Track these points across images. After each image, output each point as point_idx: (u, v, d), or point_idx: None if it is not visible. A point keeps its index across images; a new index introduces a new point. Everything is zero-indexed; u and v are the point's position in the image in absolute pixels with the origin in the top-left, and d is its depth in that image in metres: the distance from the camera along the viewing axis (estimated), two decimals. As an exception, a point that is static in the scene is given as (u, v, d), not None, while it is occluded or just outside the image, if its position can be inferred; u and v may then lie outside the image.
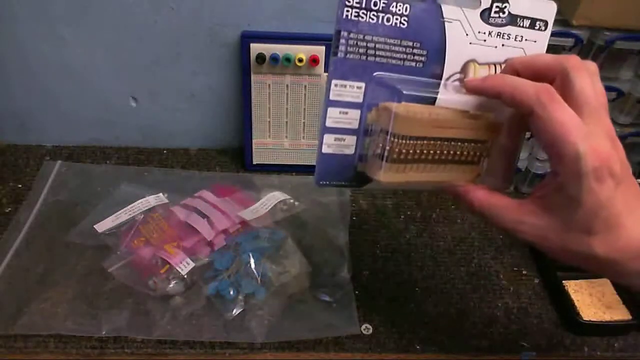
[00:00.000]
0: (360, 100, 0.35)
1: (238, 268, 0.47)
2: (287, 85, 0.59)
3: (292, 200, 0.56)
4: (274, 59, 0.57)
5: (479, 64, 0.36)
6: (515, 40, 0.36)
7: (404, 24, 0.34)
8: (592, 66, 0.32)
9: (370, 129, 0.35)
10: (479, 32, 0.35)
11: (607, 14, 0.50)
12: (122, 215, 0.52)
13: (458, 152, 0.35)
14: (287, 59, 0.57)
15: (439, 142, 0.34)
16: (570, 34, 0.52)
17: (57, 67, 0.60)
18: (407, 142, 0.33)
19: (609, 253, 0.30)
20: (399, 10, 0.33)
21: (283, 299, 0.47)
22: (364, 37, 0.33)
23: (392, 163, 0.34)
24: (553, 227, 0.31)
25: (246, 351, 0.44)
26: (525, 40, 0.36)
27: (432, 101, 0.35)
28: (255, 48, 0.57)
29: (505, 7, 0.35)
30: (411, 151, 0.34)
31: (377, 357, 0.45)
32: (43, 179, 0.59)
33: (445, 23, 0.34)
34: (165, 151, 0.67)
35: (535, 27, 0.36)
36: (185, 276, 0.47)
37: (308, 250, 0.51)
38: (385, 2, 0.33)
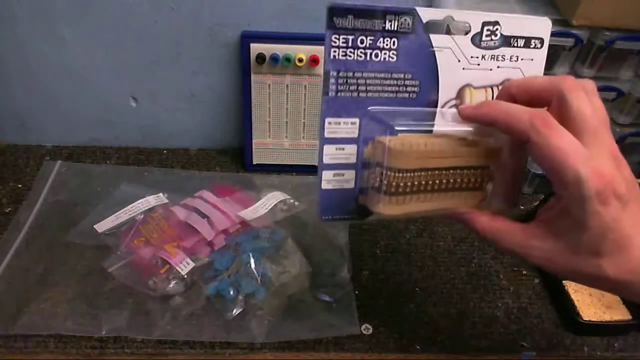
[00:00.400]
0: (356, 135, 0.35)
1: (238, 268, 0.47)
2: (287, 85, 0.59)
3: (292, 200, 0.56)
4: (274, 59, 0.57)
5: (475, 87, 0.36)
6: (510, 60, 0.36)
7: (393, 58, 0.34)
8: (589, 84, 0.31)
9: (368, 162, 0.35)
10: (471, 57, 0.35)
11: (607, 14, 0.50)
12: (122, 215, 0.52)
13: (459, 180, 0.35)
14: (287, 59, 0.57)
15: (437, 172, 0.34)
16: (570, 34, 0.52)
17: (57, 67, 0.60)
18: (404, 175, 0.33)
19: (619, 275, 0.30)
20: (387, 45, 0.33)
21: (283, 299, 0.47)
22: (353, 74, 0.33)
23: (391, 196, 0.33)
24: (560, 251, 0.31)
25: (246, 351, 0.44)
26: (522, 59, 0.36)
27: (429, 131, 0.35)
28: (255, 48, 0.57)
29: (497, 29, 0.35)
30: (409, 183, 0.33)
31: (377, 357, 0.45)
32: (43, 179, 0.59)
33: (436, 52, 0.34)
34: (165, 151, 0.67)
35: (531, 46, 0.36)
36: (185, 276, 0.47)
37: (308, 250, 0.51)
38: (372, 38, 0.33)
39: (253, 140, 0.63)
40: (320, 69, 0.58)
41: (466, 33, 0.34)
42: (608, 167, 0.29)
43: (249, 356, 0.44)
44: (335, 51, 0.33)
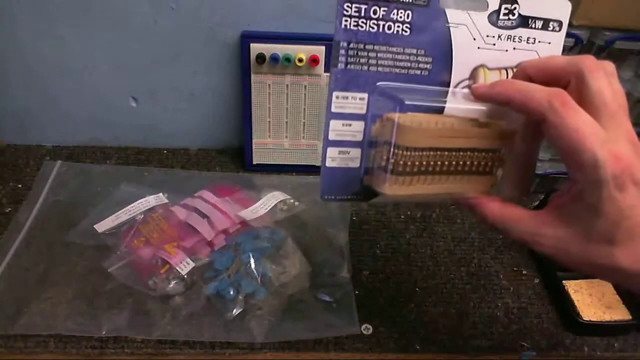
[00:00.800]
0: (364, 111, 0.33)
1: (238, 268, 0.47)
2: (287, 85, 0.59)
3: (292, 200, 0.56)
4: (274, 59, 0.57)
5: (489, 69, 0.35)
6: (527, 42, 0.35)
7: (406, 32, 0.32)
8: (609, 66, 0.30)
9: (375, 141, 0.34)
10: (487, 36, 0.34)
11: (607, 14, 0.50)
12: (122, 215, 0.52)
13: (468, 163, 0.34)
14: (287, 59, 0.57)
15: (446, 153, 0.33)
16: (570, 34, 0.52)
17: (56, 67, 0.60)
18: (412, 153, 0.32)
19: (634, 264, 0.29)
20: (401, 17, 0.32)
21: (283, 299, 0.47)
22: (364, 46, 0.32)
23: (397, 175, 0.32)
24: (573, 239, 0.30)
25: (246, 351, 0.44)
26: (539, 42, 0.35)
27: (440, 110, 0.34)
28: (255, 48, 0.57)
29: (515, 8, 0.33)
30: (417, 163, 0.32)
31: (377, 357, 0.45)
32: (43, 179, 0.59)
33: (451, 28, 0.33)
34: (165, 151, 0.67)
35: (549, 28, 0.35)
36: (185, 276, 0.47)
37: (308, 250, 0.51)
38: (386, 9, 0.32)
39: (253, 140, 0.63)
40: (320, 69, 0.58)
41: (483, 10, 0.33)
42: (626, 152, 0.28)
43: (249, 356, 0.44)
44: (346, 20, 0.31)
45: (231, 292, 0.46)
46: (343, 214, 0.57)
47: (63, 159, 0.63)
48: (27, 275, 0.48)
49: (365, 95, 0.33)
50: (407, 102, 0.32)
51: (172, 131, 0.67)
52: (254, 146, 0.63)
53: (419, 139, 0.32)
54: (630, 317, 0.49)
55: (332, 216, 0.56)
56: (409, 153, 0.32)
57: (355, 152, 0.34)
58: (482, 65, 0.34)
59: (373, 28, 0.32)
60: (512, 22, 0.34)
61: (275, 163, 0.65)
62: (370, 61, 0.32)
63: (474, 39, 0.34)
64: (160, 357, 0.44)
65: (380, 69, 0.33)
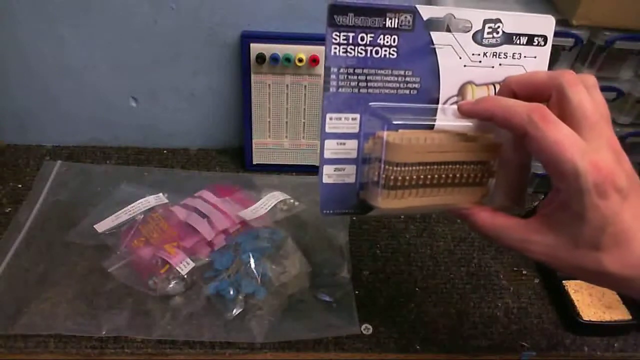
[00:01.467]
0: (357, 130, 0.35)
1: (238, 268, 0.47)
2: (287, 85, 0.59)
3: (292, 200, 0.56)
4: (274, 59, 0.57)
5: (477, 85, 0.36)
6: (513, 58, 0.36)
7: (393, 55, 0.34)
8: (589, 79, 0.31)
9: (368, 157, 0.35)
10: (472, 54, 0.35)
11: (607, 14, 0.50)
12: (122, 215, 0.52)
13: (458, 175, 0.35)
14: (287, 59, 0.57)
15: (435, 167, 0.34)
16: (570, 34, 0.52)
17: (56, 67, 0.60)
18: (402, 168, 0.33)
19: (621, 270, 0.30)
20: (387, 42, 0.33)
21: (283, 299, 0.47)
22: (354, 70, 0.34)
23: (390, 190, 0.34)
24: (561, 245, 0.31)
25: (246, 351, 0.44)
26: (524, 57, 0.36)
27: (430, 127, 0.35)
28: (255, 48, 0.57)
29: (499, 27, 0.35)
30: (407, 177, 0.33)
31: (377, 357, 0.45)
32: (43, 179, 0.59)
33: (437, 49, 0.34)
34: (165, 151, 0.67)
35: (534, 43, 0.36)
36: (185, 276, 0.47)
37: (308, 250, 0.51)
38: (373, 35, 0.33)
39: (253, 140, 0.63)
40: (320, 69, 0.58)
41: (467, 31, 0.34)
42: (607, 160, 0.29)
43: (249, 356, 0.44)
44: (335, 48, 0.33)
45: (231, 292, 0.46)
46: (343, 214, 0.57)
47: (63, 159, 0.63)
48: (27, 275, 0.48)
49: (358, 116, 0.35)
50: (395, 122, 0.34)
51: (172, 131, 0.67)
52: (254, 146, 0.63)
53: (407, 155, 0.33)
54: (630, 317, 0.49)
55: (332, 216, 0.56)
56: (398, 169, 0.33)
57: (350, 169, 0.36)
58: (469, 82, 0.36)
59: (361, 53, 0.33)
60: (496, 40, 0.35)
61: (275, 163, 0.65)
62: (360, 84, 0.34)
63: (460, 58, 0.35)
64: (160, 357, 0.44)
65: (370, 90, 0.34)
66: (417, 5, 0.33)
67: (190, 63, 0.61)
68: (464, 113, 0.35)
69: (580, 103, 0.30)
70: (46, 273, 0.48)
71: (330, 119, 0.34)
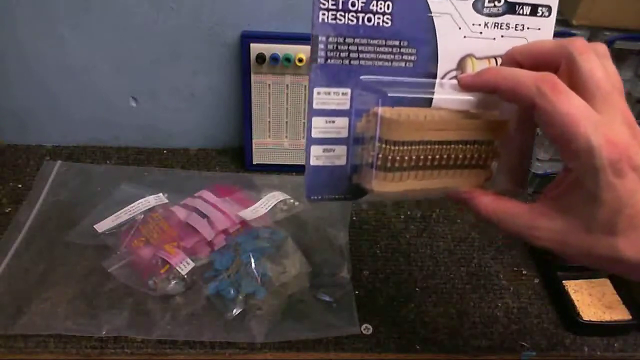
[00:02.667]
0: (347, 107, 0.32)
1: (238, 268, 0.47)
2: (287, 85, 0.59)
3: (292, 200, 0.56)
4: (274, 59, 0.57)
5: (477, 58, 0.33)
6: (515, 29, 0.33)
7: (387, 23, 0.31)
8: (601, 48, 0.29)
9: (361, 137, 0.33)
10: (472, 25, 0.32)
11: (607, 14, 0.50)
12: (122, 215, 0.52)
13: (460, 156, 0.32)
14: (287, 59, 0.57)
15: (436, 147, 0.31)
16: (570, 34, 0.52)
17: (57, 67, 0.60)
18: (400, 148, 0.30)
19: (638, 255, 0.27)
20: (380, 8, 0.31)
21: (283, 299, 0.47)
22: (344, 40, 0.31)
23: (386, 172, 0.31)
24: (572, 230, 0.28)
25: (246, 351, 0.44)
26: (527, 28, 0.33)
27: (428, 103, 0.32)
28: (255, 48, 0.57)
29: None
30: (406, 157, 0.31)
31: (377, 357, 0.45)
32: (43, 179, 0.59)
33: (434, 17, 0.32)
34: (165, 151, 0.67)
35: (538, 14, 0.33)
36: (185, 276, 0.47)
37: (308, 250, 0.51)
38: (364, 1, 0.30)
39: (253, 140, 0.63)
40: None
41: None
42: (623, 135, 0.27)
43: (249, 356, 0.44)
44: (324, 14, 0.30)
45: (231, 292, 0.46)
46: (343, 214, 0.57)
47: (63, 159, 0.63)
48: (27, 275, 0.48)
49: (348, 90, 0.32)
50: (390, 95, 0.31)
51: (172, 131, 0.67)
52: (254, 146, 0.63)
53: (406, 132, 0.30)
54: (630, 317, 0.49)
55: (332, 216, 0.56)
56: (396, 148, 0.30)
57: (341, 150, 0.33)
58: (469, 55, 0.33)
59: (352, 21, 0.31)
60: (498, 9, 0.33)
61: (275, 163, 0.65)
62: (351, 55, 0.31)
63: (460, 28, 0.32)
64: (160, 357, 0.44)
65: (362, 62, 0.32)
66: None
67: (190, 63, 0.61)
68: (465, 87, 0.32)
69: (592, 72, 0.28)
70: (46, 273, 0.48)
71: (318, 93, 0.31)
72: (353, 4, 0.30)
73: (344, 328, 0.46)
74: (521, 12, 0.33)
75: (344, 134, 0.33)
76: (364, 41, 0.31)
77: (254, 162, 0.64)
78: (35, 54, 0.59)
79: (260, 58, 0.57)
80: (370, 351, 0.45)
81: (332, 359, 0.45)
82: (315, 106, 0.32)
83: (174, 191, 0.56)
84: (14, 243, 0.51)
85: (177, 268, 0.46)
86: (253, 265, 0.47)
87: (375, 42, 0.31)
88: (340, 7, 0.30)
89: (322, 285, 0.49)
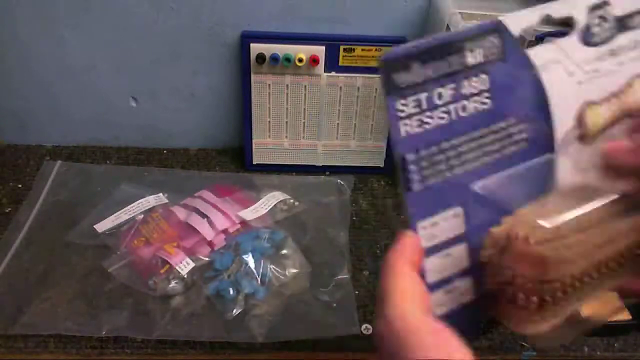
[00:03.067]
0: (463, 230, 0.26)
1: (238, 268, 0.47)
2: (287, 85, 0.59)
3: (292, 200, 0.56)
4: (274, 59, 0.57)
5: (596, 103, 0.27)
6: (631, 50, 0.27)
7: (485, 103, 0.25)
8: None
9: (491, 263, 0.25)
10: (585, 63, 0.26)
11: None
12: (122, 215, 0.52)
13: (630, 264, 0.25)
14: (287, 59, 0.57)
15: (603, 266, 0.24)
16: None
17: (57, 67, 0.60)
18: (561, 283, 0.23)
19: None
20: (475, 86, 0.24)
21: (283, 299, 0.47)
22: (439, 147, 0.24)
23: (544, 312, 0.24)
24: None
25: (246, 351, 0.44)
26: None
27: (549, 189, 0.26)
28: (255, 48, 0.57)
29: (607, 10, 0.26)
30: (568, 290, 0.24)
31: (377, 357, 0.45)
32: (43, 179, 0.59)
33: (540, 71, 0.25)
34: (165, 151, 0.67)
35: None
36: (185, 276, 0.47)
37: (308, 250, 0.51)
38: (453, 85, 0.24)
39: (253, 140, 0.63)
40: (320, 69, 0.58)
41: (568, 32, 0.26)
42: None
43: (249, 356, 0.44)
44: (406, 124, 0.23)
45: (231, 292, 0.46)
46: (343, 214, 0.57)
47: (63, 159, 0.63)
48: (27, 275, 0.48)
49: (460, 210, 0.25)
50: (514, 205, 0.25)
51: (172, 131, 0.67)
52: (254, 146, 0.63)
53: (571, 267, 0.23)
54: (630, 317, 0.49)
55: (332, 216, 0.56)
56: (557, 284, 0.23)
57: (465, 283, 0.26)
58: (586, 102, 0.27)
59: (443, 118, 0.24)
60: (608, 32, 0.26)
61: (275, 163, 0.65)
62: (451, 162, 0.25)
63: (572, 74, 0.26)
64: (160, 357, 0.44)
65: (467, 166, 0.25)
66: (499, 17, 0.24)
67: (190, 63, 0.61)
68: (619, 167, 0.24)
69: None
70: (46, 273, 0.48)
71: (424, 228, 0.25)
72: (440, 95, 0.24)
73: (344, 328, 0.46)
74: (632, 25, 0.27)
75: (465, 263, 0.26)
76: (463, 139, 0.25)
77: (254, 162, 0.64)
78: (35, 54, 0.59)
79: (260, 58, 0.57)
80: (371, 351, 0.45)
81: (332, 359, 0.45)
82: (424, 244, 0.25)
83: (174, 191, 0.56)
84: (14, 243, 0.51)
85: (177, 268, 0.46)
86: (253, 265, 0.47)
87: (477, 133, 0.25)
88: (424, 106, 0.24)
89: (322, 285, 0.49)
